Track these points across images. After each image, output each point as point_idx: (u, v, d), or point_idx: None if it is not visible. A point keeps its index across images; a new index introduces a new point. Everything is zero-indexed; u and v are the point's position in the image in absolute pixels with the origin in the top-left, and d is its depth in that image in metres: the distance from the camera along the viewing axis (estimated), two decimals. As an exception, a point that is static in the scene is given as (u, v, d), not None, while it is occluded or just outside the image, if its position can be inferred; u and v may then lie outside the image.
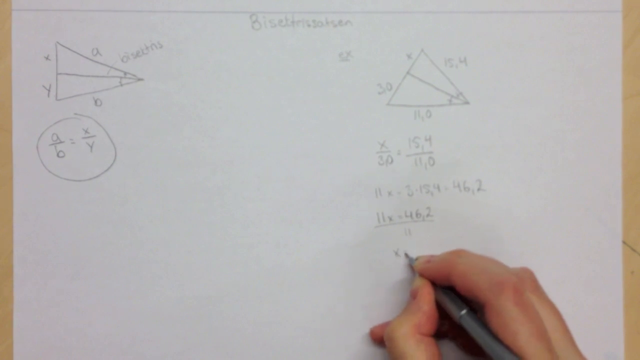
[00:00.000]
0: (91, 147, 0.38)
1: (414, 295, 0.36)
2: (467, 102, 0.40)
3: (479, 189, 0.40)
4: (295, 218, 0.39)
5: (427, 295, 0.35)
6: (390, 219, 0.39)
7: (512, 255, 0.39)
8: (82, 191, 0.38)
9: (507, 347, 0.30)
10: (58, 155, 0.38)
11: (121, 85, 0.38)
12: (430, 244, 0.39)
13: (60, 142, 0.38)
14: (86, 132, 0.38)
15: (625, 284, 0.40)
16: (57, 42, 0.38)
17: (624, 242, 0.40)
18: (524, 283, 0.34)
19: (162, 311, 0.38)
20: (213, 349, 0.38)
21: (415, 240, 0.39)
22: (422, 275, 0.36)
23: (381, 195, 0.39)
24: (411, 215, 0.39)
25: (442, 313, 0.35)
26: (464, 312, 0.33)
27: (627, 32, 0.40)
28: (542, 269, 0.37)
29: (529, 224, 0.40)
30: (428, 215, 0.39)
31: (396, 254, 0.39)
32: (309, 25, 0.39)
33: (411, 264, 0.38)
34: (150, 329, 0.38)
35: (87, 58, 0.38)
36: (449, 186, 0.39)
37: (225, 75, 0.39)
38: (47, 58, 0.38)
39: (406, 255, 0.39)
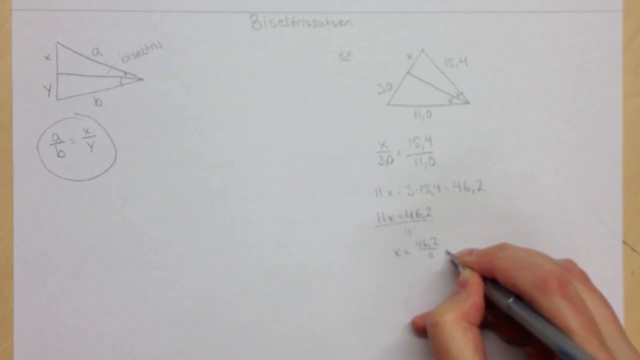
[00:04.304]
0: (91, 147, 0.38)
1: (463, 285, 0.35)
2: (467, 102, 0.40)
3: (479, 189, 0.40)
4: (295, 218, 0.39)
5: (477, 286, 0.35)
6: (391, 219, 0.39)
7: (512, 255, 0.39)
8: (82, 191, 0.38)
9: (559, 330, 0.30)
10: (58, 155, 0.38)
11: (121, 85, 0.38)
12: (430, 244, 0.39)
13: (61, 142, 0.38)
14: (86, 132, 0.38)
15: (625, 284, 0.40)
16: (58, 42, 0.38)
17: (624, 242, 0.40)
18: (572, 274, 0.34)
19: (162, 311, 0.38)
20: (213, 349, 0.38)
21: (415, 240, 0.39)
22: (466, 267, 0.37)
23: (381, 195, 0.39)
24: (411, 215, 0.39)
25: (485, 304, 0.35)
26: (511, 300, 0.33)
27: (627, 32, 0.40)
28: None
29: (529, 224, 0.40)
30: (428, 215, 0.39)
31: (396, 254, 0.39)
32: (309, 25, 0.39)
33: (452, 259, 0.38)
34: (150, 329, 0.38)
35: (87, 58, 0.38)
36: (449, 186, 0.39)
37: (225, 75, 0.39)
38: (47, 58, 0.38)
39: (447, 252, 0.39)
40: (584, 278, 0.34)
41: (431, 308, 0.39)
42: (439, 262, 0.39)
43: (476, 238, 0.39)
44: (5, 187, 0.38)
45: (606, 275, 0.40)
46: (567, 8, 0.40)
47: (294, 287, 0.39)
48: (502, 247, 0.36)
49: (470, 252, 0.38)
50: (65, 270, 0.38)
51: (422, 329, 0.38)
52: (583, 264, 0.39)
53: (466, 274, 0.36)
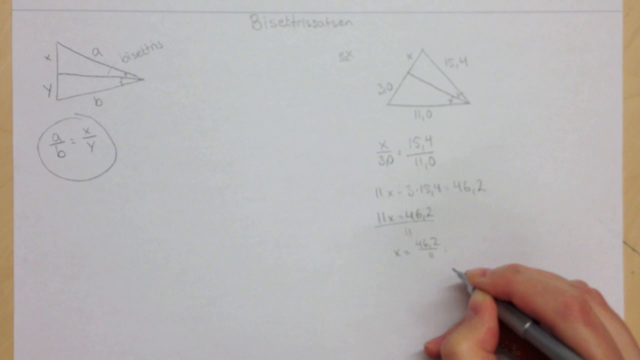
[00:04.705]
0: (92, 147, 0.38)
1: (475, 310, 0.34)
2: (467, 102, 0.40)
3: (479, 189, 0.40)
4: (295, 218, 0.39)
5: (491, 310, 0.34)
6: (391, 219, 0.39)
7: (512, 255, 0.39)
8: (82, 191, 0.38)
9: (581, 357, 0.30)
10: (58, 155, 0.38)
11: (122, 85, 0.38)
12: (430, 244, 0.39)
13: (61, 142, 0.38)
14: (87, 132, 0.38)
15: (626, 284, 0.40)
16: (58, 42, 0.38)
17: (624, 242, 0.40)
18: (591, 298, 0.33)
19: (162, 311, 0.38)
20: (213, 349, 0.38)
21: (415, 240, 0.39)
22: (478, 289, 0.35)
23: (381, 195, 0.39)
24: (411, 215, 0.39)
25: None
26: (528, 325, 0.33)
27: (627, 32, 0.40)
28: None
29: (529, 224, 0.40)
30: (428, 215, 0.39)
31: (396, 254, 0.39)
32: (309, 25, 0.39)
33: (461, 277, 0.37)
34: (150, 329, 0.38)
35: (87, 58, 0.38)
36: (450, 186, 0.39)
37: (225, 75, 0.39)
38: (47, 58, 0.38)
39: (454, 269, 0.38)
40: (601, 300, 0.33)
41: (431, 309, 0.39)
42: (439, 262, 0.39)
43: (476, 238, 0.39)
44: (5, 187, 0.38)
45: (606, 275, 0.40)
46: (567, 8, 0.40)
47: (294, 287, 0.39)
48: (517, 269, 0.34)
49: (483, 272, 0.36)
50: (65, 270, 0.38)
51: (435, 355, 0.37)
52: (583, 264, 0.39)
53: (479, 297, 0.35)
